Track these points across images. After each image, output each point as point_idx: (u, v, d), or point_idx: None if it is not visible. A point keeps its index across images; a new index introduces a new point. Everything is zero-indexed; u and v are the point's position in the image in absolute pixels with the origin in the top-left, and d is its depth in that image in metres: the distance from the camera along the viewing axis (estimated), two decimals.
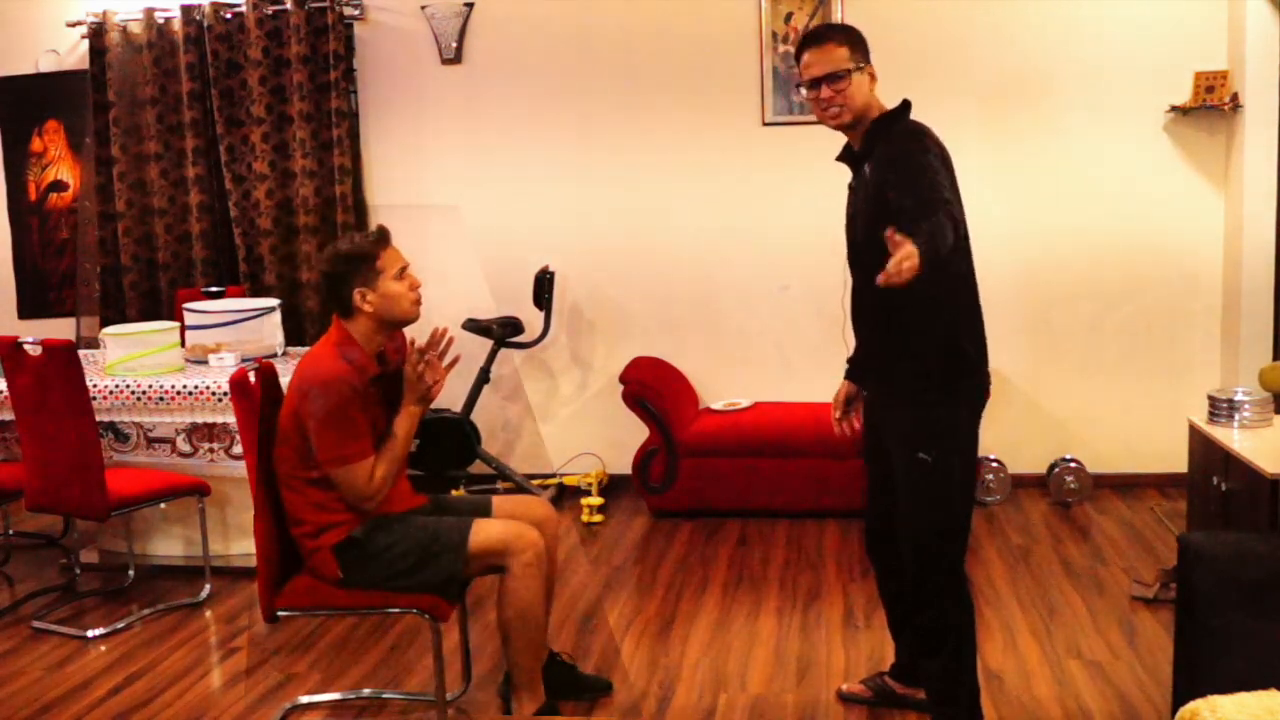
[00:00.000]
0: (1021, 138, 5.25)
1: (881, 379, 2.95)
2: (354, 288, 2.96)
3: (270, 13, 5.63)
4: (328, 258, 3.01)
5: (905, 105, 2.84)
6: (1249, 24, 4.86)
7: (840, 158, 2.94)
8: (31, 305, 6.20)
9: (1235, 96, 4.95)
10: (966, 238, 2.77)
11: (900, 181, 2.61)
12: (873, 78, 2.82)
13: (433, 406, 5.39)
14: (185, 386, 4.29)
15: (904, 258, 2.31)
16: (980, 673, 2.94)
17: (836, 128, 2.84)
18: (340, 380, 2.89)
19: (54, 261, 6.16)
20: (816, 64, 2.79)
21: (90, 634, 3.97)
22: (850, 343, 3.03)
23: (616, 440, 5.56)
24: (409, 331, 3.20)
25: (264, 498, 2.99)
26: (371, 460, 2.94)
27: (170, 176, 5.81)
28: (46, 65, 5.99)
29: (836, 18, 5.23)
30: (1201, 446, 4.03)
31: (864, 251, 2.84)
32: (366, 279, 2.96)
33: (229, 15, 5.69)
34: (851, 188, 2.93)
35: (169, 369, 4.48)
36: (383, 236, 3.04)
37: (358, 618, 3.95)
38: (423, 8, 5.58)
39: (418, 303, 3.05)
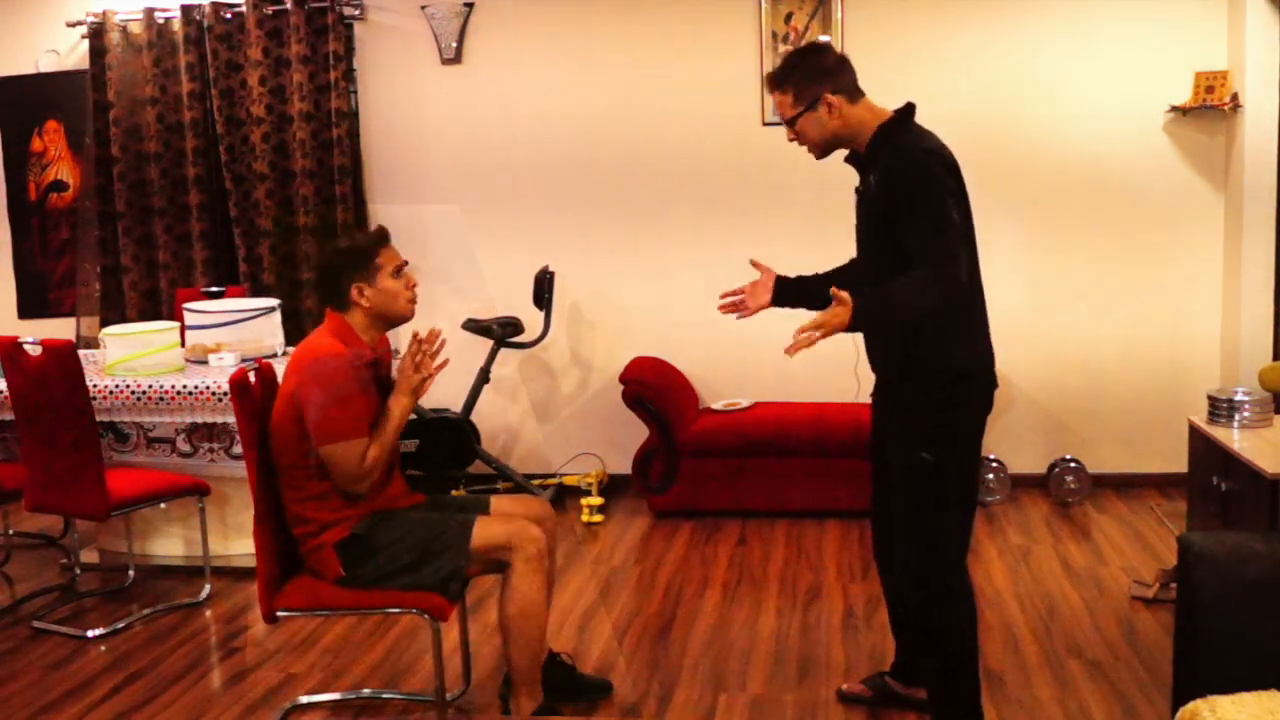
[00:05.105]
0: (1020, 138, 5.25)
1: (885, 380, 2.96)
2: (352, 282, 3.01)
3: (270, 13, 5.63)
4: (327, 253, 3.09)
5: (909, 110, 2.81)
6: (1249, 24, 4.86)
7: (849, 159, 2.94)
8: (31, 305, 6.20)
9: (1235, 96, 4.95)
10: (973, 246, 2.77)
11: (912, 223, 2.61)
12: (832, 106, 2.76)
13: (433, 406, 5.43)
14: (185, 386, 4.28)
15: (816, 326, 2.58)
16: (980, 673, 2.94)
17: (818, 159, 2.90)
18: (337, 356, 2.95)
19: (54, 261, 6.16)
20: (777, 106, 2.86)
21: (90, 634, 3.97)
22: (859, 348, 3.03)
23: (616, 440, 5.56)
24: (405, 331, 3.22)
25: (264, 497, 2.99)
26: (366, 441, 2.94)
27: (170, 176, 5.81)
28: (46, 65, 5.99)
29: (836, 18, 5.23)
30: (1201, 446, 4.03)
31: (870, 260, 2.86)
32: (364, 274, 3.01)
33: (229, 15, 5.69)
34: (858, 193, 2.92)
35: (169, 369, 4.48)
36: (382, 235, 3.10)
37: (358, 618, 3.95)
38: (423, 8, 5.58)
39: (413, 301, 3.10)
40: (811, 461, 4.98)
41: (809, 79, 2.77)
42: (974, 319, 2.81)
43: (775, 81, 2.83)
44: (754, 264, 3.07)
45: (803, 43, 5.21)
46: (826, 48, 2.89)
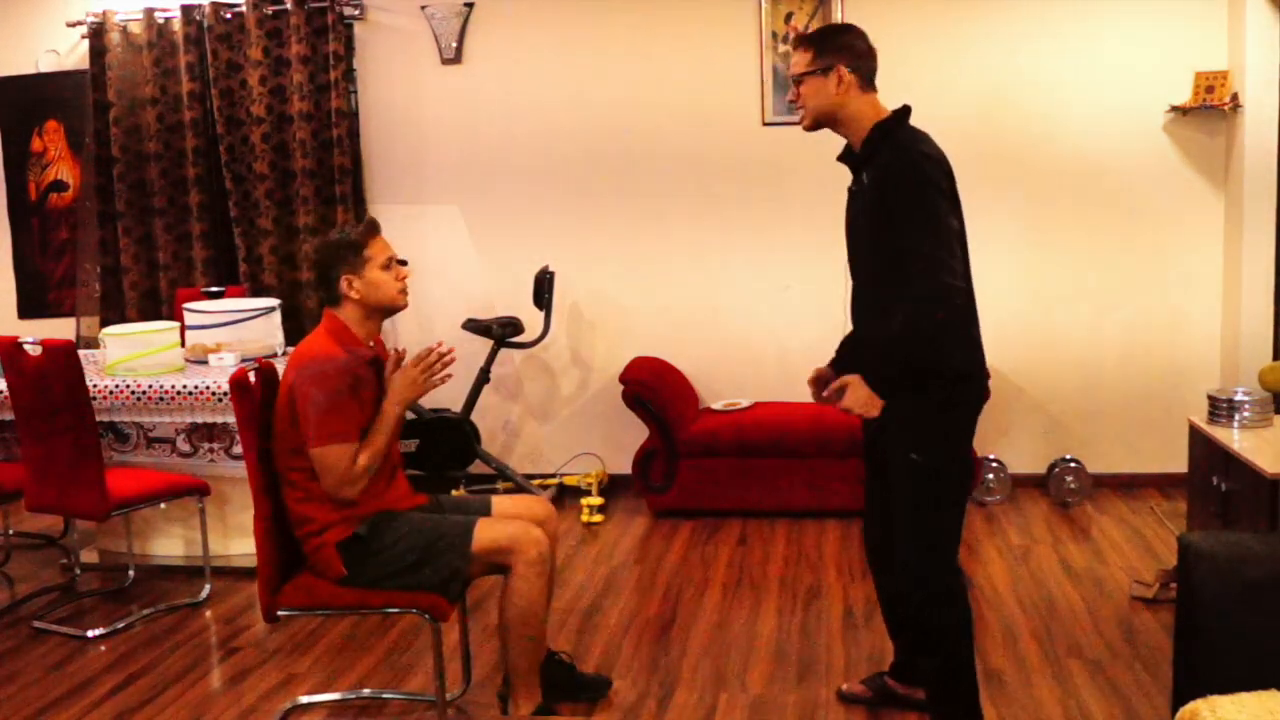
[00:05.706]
0: (1020, 137, 5.25)
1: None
2: (341, 274, 3.01)
3: (270, 13, 5.63)
4: (317, 247, 3.11)
5: (904, 111, 2.83)
6: (1249, 24, 4.86)
7: (841, 158, 2.94)
8: (31, 305, 6.20)
9: (1235, 96, 4.95)
10: (965, 249, 2.78)
11: (905, 224, 2.65)
12: (842, 80, 2.79)
13: (433, 406, 5.43)
14: (185, 386, 4.29)
15: (857, 405, 2.75)
16: (980, 673, 2.94)
17: (806, 129, 2.90)
18: (333, 358, 2.95)
19: (54, 261, 6.16)
20: (793, 64, 2.89)
21: (90, 634, 3.97)
22: None
23: (616, 440, 5.56)
24: (404, 338, 3.21)
25: (264, 498, 2.99)
26: (356, 445, 2.93)
27: (170, 176, 5.81)
28: (46, 65, 5.99)
29: (836, 18, 5.23)
30: (1201, 446, 4.03)
31: (862, 258, 2.87)
32: (354, 266, 3.02)
33: (229, 15, 5.69)
34: (851, 191, 2.92)
35: (169, 369, 4.48)
36: (371, 226, 3.11)
37: (358, 618, 3.95)
38: (423, 8, 5.58)
39: (404, 291, 3.10)
40: (811, 461, 4.99)
41: (835, 46, 2.82)
42: (969, 320, 2.82)
43: (804, 37, 2.88)
44: (813, 383, 3.08)
45: None
46: (863, 34, 2.91)
